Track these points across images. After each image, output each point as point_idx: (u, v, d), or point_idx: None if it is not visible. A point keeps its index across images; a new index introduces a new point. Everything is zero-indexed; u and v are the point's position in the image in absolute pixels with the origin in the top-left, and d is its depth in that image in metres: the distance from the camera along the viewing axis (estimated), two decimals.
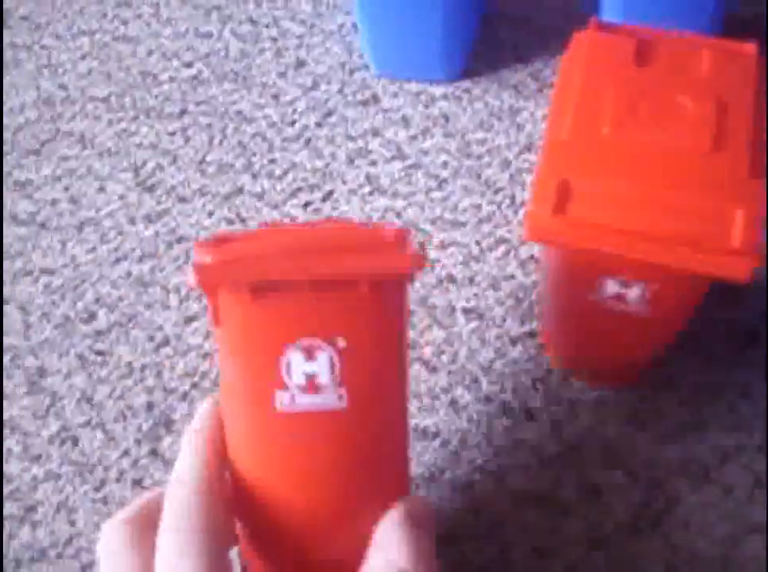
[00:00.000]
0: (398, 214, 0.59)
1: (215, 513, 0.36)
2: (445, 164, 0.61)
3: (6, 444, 0.55)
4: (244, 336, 0.36)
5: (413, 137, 0.63)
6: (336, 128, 0.64)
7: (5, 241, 0.62)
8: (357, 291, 0.35)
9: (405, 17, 0.59)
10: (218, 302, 0.36)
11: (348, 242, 0.36)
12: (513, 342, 0.54)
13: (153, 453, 0.53)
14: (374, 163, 0.62)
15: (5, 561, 0.51)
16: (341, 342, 0.35)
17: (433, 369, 0.54)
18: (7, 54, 0.73)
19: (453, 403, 0.52)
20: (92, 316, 0.58)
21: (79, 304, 0.59)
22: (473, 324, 0.55)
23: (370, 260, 0.35)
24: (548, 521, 0.49)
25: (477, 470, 0.50)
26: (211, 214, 0.61)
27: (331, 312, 0.35)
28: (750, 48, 0.44)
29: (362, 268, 0.35)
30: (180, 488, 0.37)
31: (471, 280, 0.56)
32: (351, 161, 0.62)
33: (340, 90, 0.66)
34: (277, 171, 0.63)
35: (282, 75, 0.68)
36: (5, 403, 0.56)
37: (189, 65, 0.70)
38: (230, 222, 0.61)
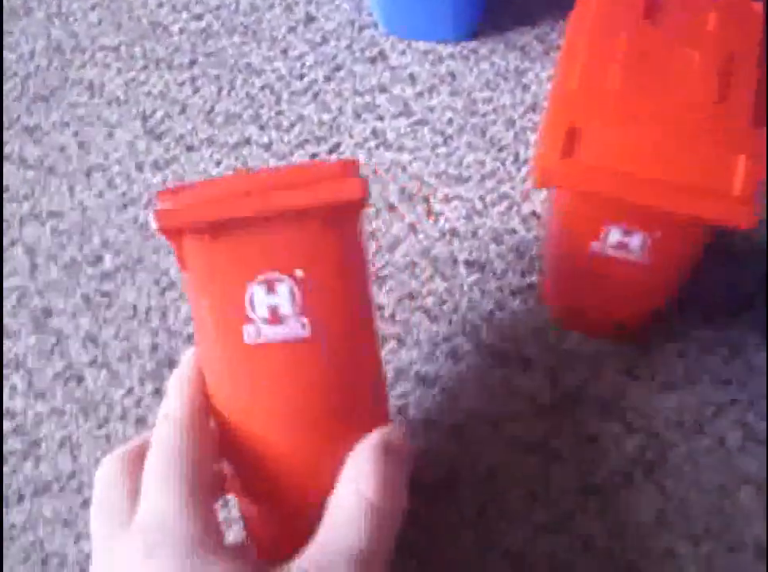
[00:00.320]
0: (404, 168, 0.60)
1: (197, 446, 0.38)
2: (451, 121, 0.62)
3: (11, 381, 0.56)
4: (208, 276, 0.38)
5: (420, 94, 0.63)
6: (344, 83, 0.65)
7: (13, 184, 0.63)
8: (309, 223, 0.37)
9: None
10: (182, 246, 0.38)
11: (298, 178, 0.38)
12: (514, 294, 0.55)
13: (157, 392, 0.54)
14: (380, 118, 0.63)
15: (8, 493, 0.52)
16: (299, 273, 0.37)
17: (434, 318, 0.54)
18: (18, 2, 0.73)
19: (453, 351, 0.53)
20: (98, 259, 0.59)
21: (86, 247, 0.60)
22: (474, 276, 0.56)
23: (318, 191, 0.37)
24: (543, 468, 0.50)
25: (474, 417, 0.51)
26: (218, 163, 0.62)
27: (287, 245, 0.37)
28: (758, 6, 0.45)
29: (311, 200, 0.37)
30: (166, 424, 0.39)
31: (474, 234, 0.57)
32: (357, 116, 0.63)
33: (348, 47, 0.66)
34: (285, 123, 0.63)
35: (292, 29, 0.68)
36: (10, 341, 0.57)
37: (199, 17, 0.70)
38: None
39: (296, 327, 0.37)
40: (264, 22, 0.69)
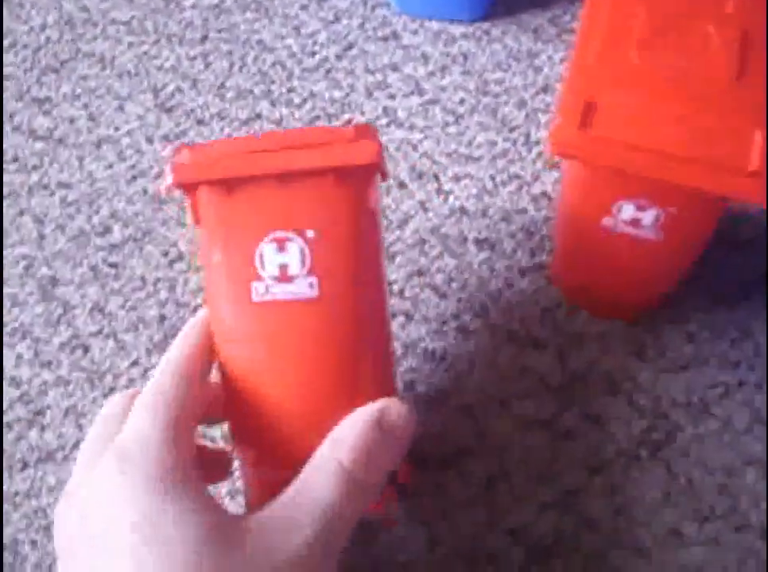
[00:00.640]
0: (414, 147, 0.60)
1: (186, 386, 0.38)
2: (462, 101, 0.62)
3: (17, 349, 0.55)
4: (221, 232, 0.38)
5: (432, 74, 0.63)
6: (356, 61, 0.65)
7: (22, 154, 0.63)
8: (322, 183, 0.37)
9: None
10: (197, 201, 0.38)
11: (314, 139, 0.38)
12: (523, 273, 0.55)
13: None
14: (392, 96, 0.62)
15: (13, 461, 0.52)
16: (310, 233, 0.37)
17: (443, 295, 0.54)
18: None
19: (461, 328, 0.53)
20: (107, 230, 0.59)
21: (95, 218, 0.60)
22: (484, 254, 0.55)
23: (334, 153, 0.37)
24: (551, 446, 0.50)
25: (482, 395, 0.51)
26: (229, 137, 0.62)
27: (301, 205, 0.38)
28: None
29: (327, 160, 0.37)
30: (163, 364, 0.39)
31: (484, 213, 0.57)
32: (369, 94, 0.63)
33: (361, 26, 0.66)
34: (296, 100, 0.63)
35: (304, 7, 0.68)
36: (17, 310, 0.57)
37: None
38: None
39: (304, 287, 0.37)
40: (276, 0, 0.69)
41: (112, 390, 0.53)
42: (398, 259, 0.55)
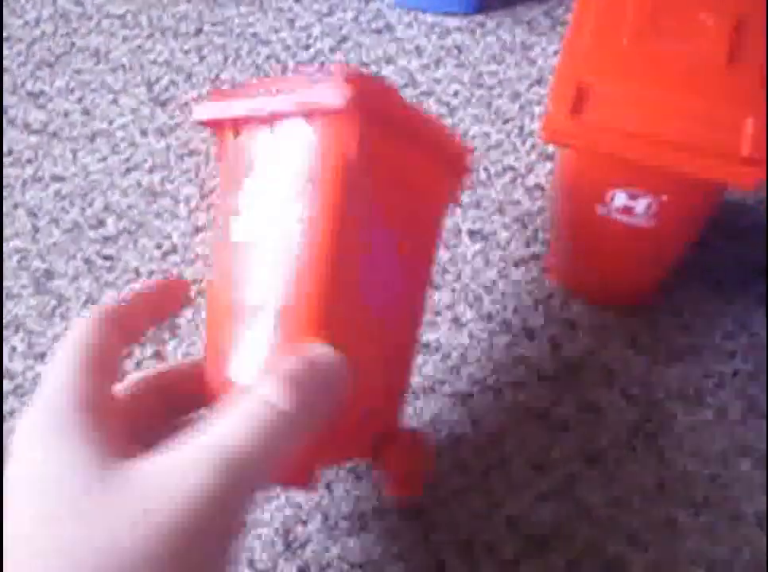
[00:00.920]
0: None
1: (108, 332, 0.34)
2: (456, 93, 0.62)
3: (11, 342, 0.55)
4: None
5: (426, 66, 0.63)
6: (350, 54, 0.65)
7: (16, 148, 0.63)
8: (297, 128, 0.36)
9: None
10: (224, 139, 0.38)
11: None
12: (517, 264, 0.55)
13: (158, 355, 0.54)
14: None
15: (6, 453, 0.52)
16: (300, 181, 0.36)
17: (437, 287, 0.54)
18: None
19: (455, 319, 0.53)
20: (101, 223, 0.59)
21: (89, 211, 0.60)
22: (478, 245, 0.55)
23: (302, 97, 0.36)
24: (546, 436, 0.50)
25: (476, 384, 0.51)
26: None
27: (285, 149, 0.37)
28: None
29: (290, 104, 0.36)
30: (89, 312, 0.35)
31: (478, 204, 0.57)
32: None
33: (355, 19, 0.66)
34: None
35: (298, 0, 0.68)
36: (11, 303, 0.57)
37: None
38: None
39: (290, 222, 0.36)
40: None
41: None
42: None
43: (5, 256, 0.58)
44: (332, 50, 0.65)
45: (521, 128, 0.60)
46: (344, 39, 0.65)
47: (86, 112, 0.64)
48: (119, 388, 0.37)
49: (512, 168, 0.58)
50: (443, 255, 0.55)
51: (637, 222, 0.44)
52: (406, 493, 0.42)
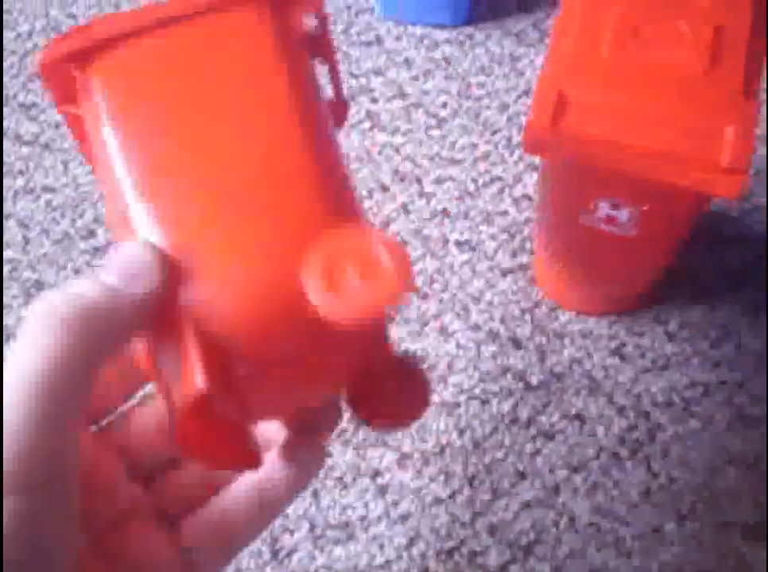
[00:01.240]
0: (397, 150, 0.60)
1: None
2: (445, 105, 0.62)
3: (3, 353, 0.55)
4: None
5: (415, 78, 0.64)
6: (340, 65, 0.65)
7: (8, 159, 0.63)
8: None
9: None
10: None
11: None
12: (504, 274, 0.55)
13: None
14: (375, 100, 0.63)
15: None
16: None
17: (424, 297, 0.55)
18: None
19: (442, 329, 0.53)
20: (91, 233, 0.59)
21: (79, 222, 0.60)
22: (465, 256, 0.56)
23: None
24: (531, 444, 0.50)
25: (463, 393, 0.51)
26: None
27: None
28: None
29: None
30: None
31: (466, 215, 0.57)
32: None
33: (345, 31, 0.67)
34: None
35: None
36: (2, 313, 0.57)
37: None
38: None
39: None
40: None
41: None
42: None
43: None
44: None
45: (509, 139, 0.60)
46: None
47: None
48: None
49: (499, 179, 0.59)
50: (430, 265, 0.55)
51: (620, 231, 0.45)
52: (395, 427, 0.39)
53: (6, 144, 0.64)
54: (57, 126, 0.64)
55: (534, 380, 0.51)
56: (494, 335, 0.53)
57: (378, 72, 0.64)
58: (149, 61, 0.31)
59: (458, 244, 0.56)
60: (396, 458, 0.50)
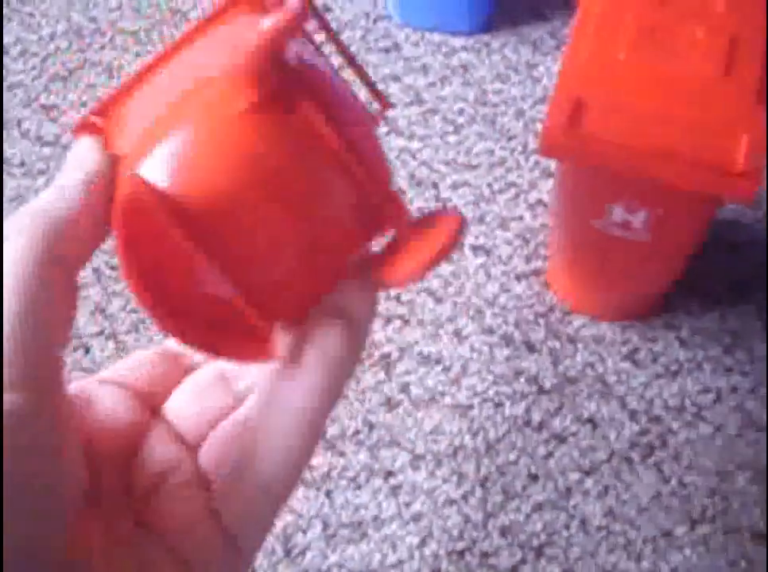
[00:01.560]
0: (413, 155, 0.61)
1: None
2: (461, 111, 0.63)
3: None
4: None
5: (432, 84, 0.64)
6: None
7: (29, 160, 0.64)
8: None
9: None
10: None
11: None
12: (518, 278, 0.55)
13: None
14: (392, 106, 0.63)
15: None
16: None
17: (439, 300, 0.55)
18: None
19: (457, 332, 0.54)
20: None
21: None
22: (480, 260, 0.56)
23: None
24: (544, 447, 0.50)
25: (477, 396, 0.52)
26: None
27: None
28: None
29: None
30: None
31: (481, 220, 0.58)
32: (369, 103, 0.63)
33: (363, 37, 0.67)
34: None
35: None
36: None
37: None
38: None
39: None
40: None
41: None
42: None
43: None
44: (340, 68, 0.66)
45: (525, 145, 0.61)
46: None
47: None
48: None
49: (515, 185, 0.59)
50: (445, 269, 0.56)
51: (634, 236, 0.45)
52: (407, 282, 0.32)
53: (27, 144, 0.65)
54: None
55: (547, 384, 0.52)
56: (507, 339, 0.53)
57: (395, 78, 0.65)
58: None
59: (473, 248, 0.57)
60: (409, 459, 0.50)
